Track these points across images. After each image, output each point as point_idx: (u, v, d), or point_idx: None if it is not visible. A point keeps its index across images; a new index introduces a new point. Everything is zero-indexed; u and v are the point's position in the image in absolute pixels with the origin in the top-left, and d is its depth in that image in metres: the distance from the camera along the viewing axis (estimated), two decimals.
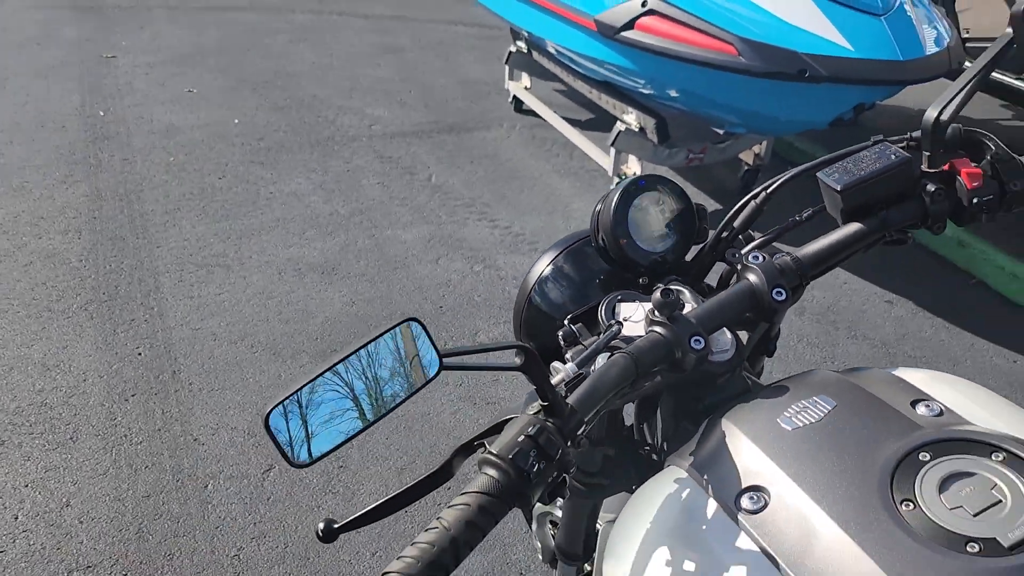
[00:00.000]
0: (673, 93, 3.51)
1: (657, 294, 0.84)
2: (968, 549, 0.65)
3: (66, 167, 4.18)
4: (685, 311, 0.86)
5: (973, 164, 0.92)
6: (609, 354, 0.84)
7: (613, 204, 0.99)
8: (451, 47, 6.34)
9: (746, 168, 4.17)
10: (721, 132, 3.87)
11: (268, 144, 4.53)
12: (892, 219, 0.91)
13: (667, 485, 0.85)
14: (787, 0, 2.97)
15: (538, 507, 1.57)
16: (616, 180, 3.96)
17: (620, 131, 3.86)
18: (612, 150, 3.92)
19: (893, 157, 0.90)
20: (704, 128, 3.84)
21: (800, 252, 0.92)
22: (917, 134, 0.94)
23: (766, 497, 0.75)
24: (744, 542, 0.74)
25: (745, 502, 0.75)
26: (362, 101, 5.20)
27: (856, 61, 2.88)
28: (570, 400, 0.75)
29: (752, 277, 0.89)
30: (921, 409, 0.78)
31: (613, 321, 0.90)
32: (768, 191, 0.98)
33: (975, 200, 0.90)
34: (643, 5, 3.16)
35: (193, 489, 2.32)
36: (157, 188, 3.99)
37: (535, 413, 0.74)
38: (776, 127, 3.51)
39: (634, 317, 0.93)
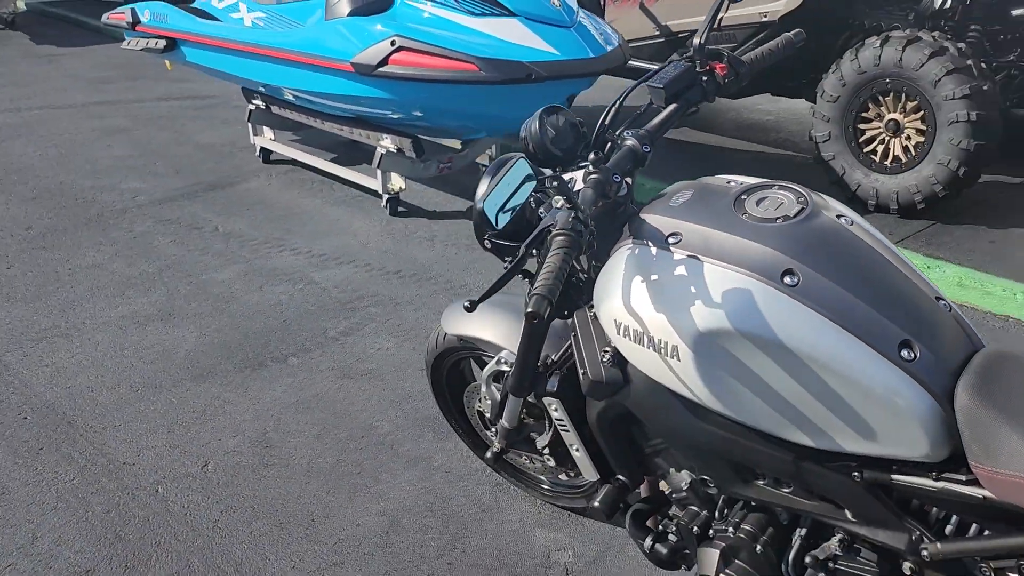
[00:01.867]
0: (423, 113, 4.29)
1: (591, 155, 1.59)
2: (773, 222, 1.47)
3: None
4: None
5: (720, 63, 1.77)
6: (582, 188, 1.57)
7: (537, 125, 1.71)
8: (173, 120, 6.63)
9: (483, 169, 5.06)
10: (459, 146, 4.74)
11: (39, 231, 4.64)
12: (691, 98, 1.75)
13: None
14: (505, 26, 3.89)
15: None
16: (386, 196, 4.66)
17: (383, 154, 4.56)
18: (379, 171, 4.61)
19: (683, 66, 1.73)
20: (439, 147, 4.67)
21: (648, 126, 1.72)
22: (690, 53, 1.78)
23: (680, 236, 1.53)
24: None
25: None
26: (112, 178, 5.40)
27: (564, 62, 3.87)
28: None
29: (630, 142, 1.67)
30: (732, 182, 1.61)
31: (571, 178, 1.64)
32: (621, 100, 1.77)
33: (726, 81, 1.76)
34: (392, 44, 3.92)
35: (147, 494, 2.66)
36: None
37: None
38: (512, 125, 4.40)
39: (577, 180, 1.67)
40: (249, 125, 5.57)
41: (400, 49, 3.91)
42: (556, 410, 1.88)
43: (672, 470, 1.77)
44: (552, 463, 2.25)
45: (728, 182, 1.66)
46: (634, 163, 1.67)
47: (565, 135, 1.74)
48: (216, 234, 4.55)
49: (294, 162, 5.54)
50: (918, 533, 1.45)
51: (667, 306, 1.47)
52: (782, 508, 1.64)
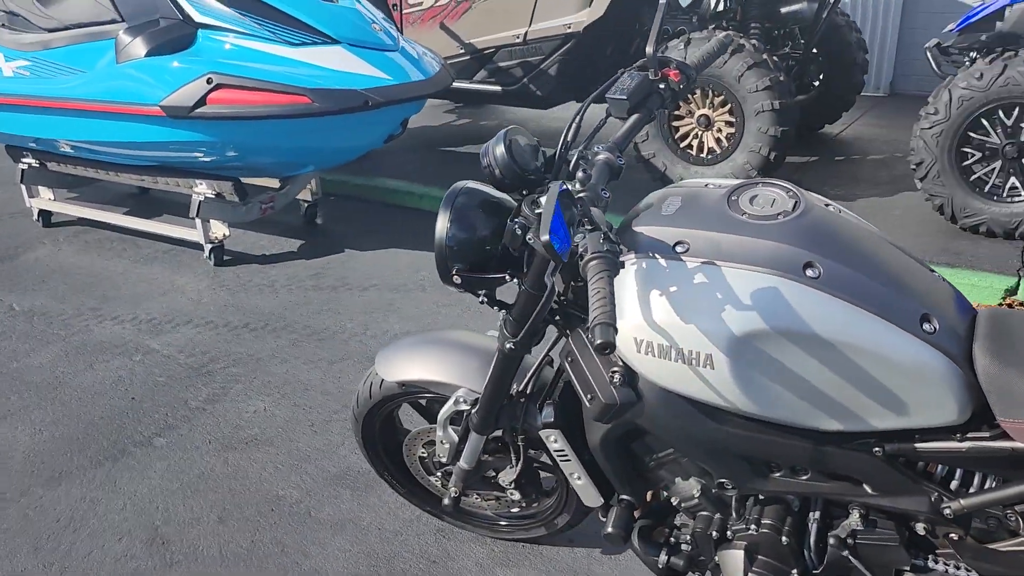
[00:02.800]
0: (243, 152, 3.99)
1: (580, 173, 1.53)
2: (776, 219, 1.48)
3: None
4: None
5: (672, 70, 1.77)
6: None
7: (503, 149, 1.62)
8: None
9: (307, 204, 4.81)
10: (278, 184, 4.47)
11: None
12: (651, 106, 1.73)
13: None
14: (330, 54, 3.71)
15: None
16: (209, 246, 4.30)
17: (200, 201, 4.20)
18: (198, 220, 4.24)
19: (639, 76, 1.71)
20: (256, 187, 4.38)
21: (614, 139, 1.68)
22: (643, 62, 1.76)
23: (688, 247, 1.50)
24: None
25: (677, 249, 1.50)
26: None
27: (397, 86, 3.76)
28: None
29: (603, 156, 1.62)
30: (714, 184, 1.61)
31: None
32: (580, 116, 1.71)
33: (680, 87, 1.76)
34: (209, 82, 3.61)
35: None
36: None
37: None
38: (344, 156, 4.22)
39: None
40: (22, 187, 4.92)
41: (219, 87, 3.61)
42: (555, 441, 1.79)
43: (678, 479, 1.75)
44: (516, 496, 2.15)
45: (707, 185, 1.66)
46: (610, 176, 1.63)
47: (529, 157, 1.67)
48: (14, 314, 3.97)
49: (81, 221, 4.97)
50: (936, 494, 1.52)
51: (695, 316, 1.44)
52: (796, 496, 1.66)
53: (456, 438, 2.04)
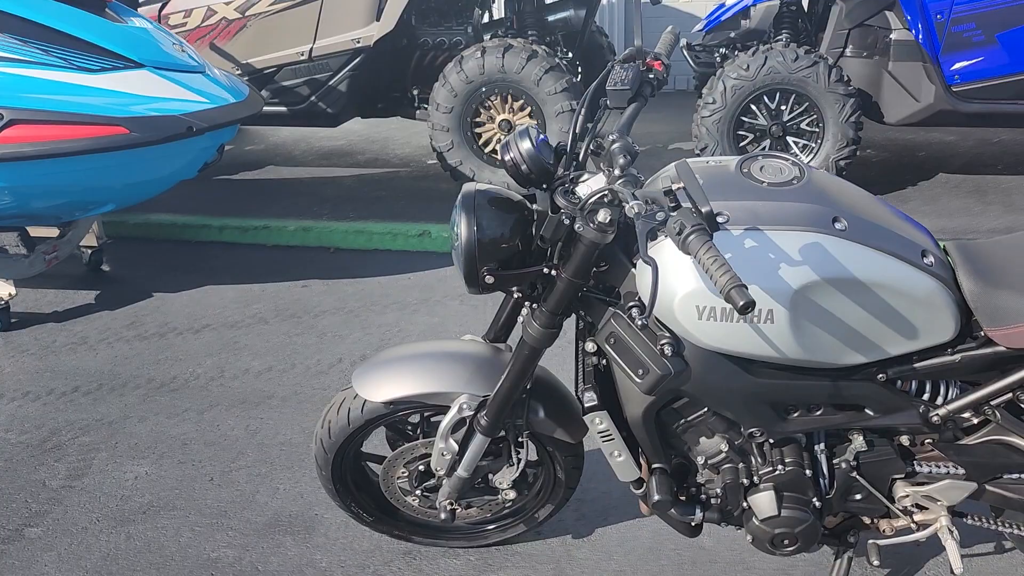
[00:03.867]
0: (25, 197, 3.51)
1: (621, 159, 1.59)
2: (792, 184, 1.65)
3: None
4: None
5: (656, 61, 1.88)
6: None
7: (528, 144, 1.65)
8: None
9: (91, 250, 4.32)
10: (56, 233, 3.98)
11: None
12: (644, 93, 1.83)
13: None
14: (138, 79, 3.38)
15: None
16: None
17: None
18: None
19: (632, 67, 1.80)
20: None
21: (618, 127, 1.76)
22: (630, 53, 1.85)
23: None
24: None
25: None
26: None
27: (216, 109, 3.52)
28: None
29: (620, 143, 1.70)
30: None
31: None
32: (583, 108, 1.77)
33: (665, 76, 1.88)
34: (0, 119, 3.14)
35: None
36: None
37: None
38: (155, 189, 3.84)
39: (593, 186, 1.65)
40: None
41: (11, 123, 3.15)
42: (600, 423, 1.83)
43: (703, 439, 1.87)
44: (511, 496, 2.16)
45: (708, 161, 1.80)
46: (630, 159, 1.72)
47: (547, 152, 1.71)
48: None
49: None
50: (924, 407, 1.79)
51: (754, 277, 1.56)
52: (807, 432, 1.85)
53: (456, 447, 2.01)
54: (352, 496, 2.26)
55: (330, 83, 4.92)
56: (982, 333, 1.70)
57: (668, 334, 1.67)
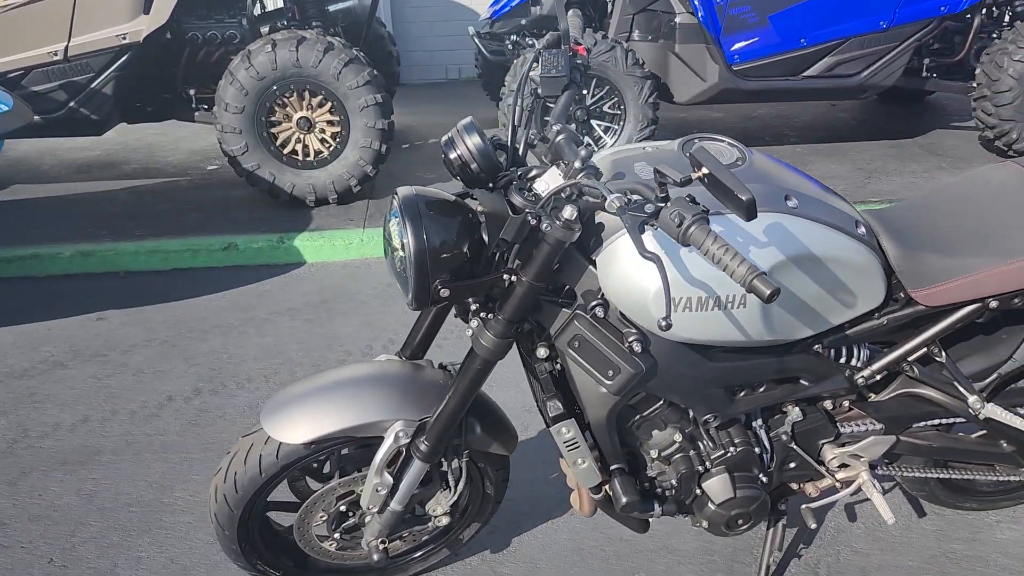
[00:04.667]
0: None
1: (582, 151, 1.48)
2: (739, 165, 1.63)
3: None
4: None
5: (579, 45, 1.77)
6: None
7: (477, 138, 1.50)
8: None
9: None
10: None
11: None
12: (575, 79, 1.72)
13: None
14: None
15: None
16: None
17: None
18: None
19: (561, 52, 1.68)
20: None
21: (555, 116, 1.65)
22: (553, 39, 1.72)
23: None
24: None
25: None
26: None
27: None
28: None
29: (564, 135, 1.59)
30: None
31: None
32: (519, 98, 1.64)
33: (588, 60, 1.77)
34: None
35: None
36: None
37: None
38: None
39: (550, 182, 1.52)
40: None
41: None
42: (567, 432, 1.70)
43: (655, 432, 1.81)
44: (445, 522, 1.99)
45: (645, 147, 1.73)
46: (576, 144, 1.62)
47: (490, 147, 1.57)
48: None
49: None
50: (850, 371, 1.86)
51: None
52: (750, 411, 1.86)
53: (391, 480, 1.81)
54: (258, 554, 1.97)
55: (92, 86, 4.32)
56: (902, 295, 1.79)
57: (635, 331, 1.59)
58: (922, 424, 2.00)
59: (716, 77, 4.64)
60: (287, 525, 2.04)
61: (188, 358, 3.28)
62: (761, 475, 1.87)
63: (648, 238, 1.51)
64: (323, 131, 4.42)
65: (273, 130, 4.39)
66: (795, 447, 1.90)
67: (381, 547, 1.91)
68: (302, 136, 4.42)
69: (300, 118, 4.37)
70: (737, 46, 4.61)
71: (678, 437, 1.80)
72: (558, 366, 1.73)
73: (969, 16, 4.98)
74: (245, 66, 4.21)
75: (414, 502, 1.93)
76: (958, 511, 2.37)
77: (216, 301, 3.75)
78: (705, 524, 1.88)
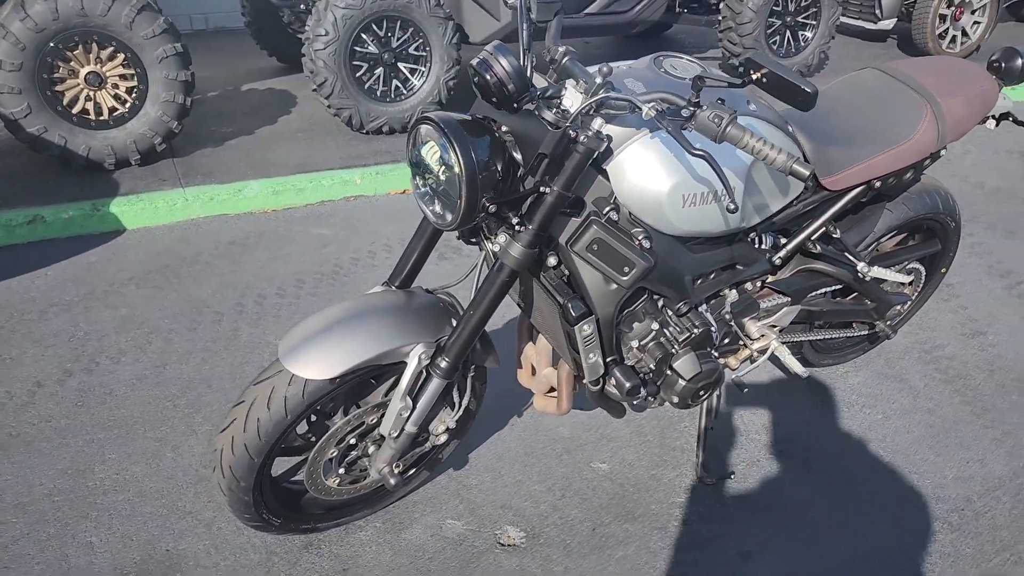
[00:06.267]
0: None
1: (602, 71, 1.63)
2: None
3: None
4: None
5: None
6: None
7: (512, 60, 1.58)
8: None
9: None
10: None
11: None
12: (564, 6, 1.83)
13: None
14: None
15: None
16: None
17: None
18: None
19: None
20: None
21: (552, 40, 1.76)
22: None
23: None
24: None
25: None
26: None
27: None
28: None
29: (568, 56, 1.72)
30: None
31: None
32: (524, 24, 1.72)
33: None
34: None
35: None
36: None
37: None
38: None
39: (574, 99, 1.65)
40: None
41: None
42: (588, 328, 1.84)
43: (636, 324, 2.03)
44: (443, 440, 2.08)
45: (622, 66, 1.89)
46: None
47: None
48: None
49: None
50: (769, 253, 2.20)
51: (727, 160, 1.77)
52: (703, 296, 2.14)
53: (411, 406, 1.88)
54: (265, 504, 1.95)
55: None
56: (812, 183, 2.15)
57: (642, 229, 1.79)
58: (815, 293, 2.41)
59: (508, 16, 4.86)
60: (281, 472, 2.03)
61: (37, 340, 2.97)
62: (712, 351, 2.17)
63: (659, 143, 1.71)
64: (116, 87, 4.06)
65: (58, 88, 3.95)
66: (733, 324, 2.22)
67: (396, 471, 1.97)
68: (92, 93, 4.02)
69: (89, 73, 3.97)
70: None
71: (655, 326, 2.04)
72: (566, 272, 1.89)
73: None
74: (20, 16, 3.73)
75: (427, 423, 2.00)
76: (821, 367, 2.87)
77: (38, 280, 3.38)
78: (675, 400, 2.14)
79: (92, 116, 4.05)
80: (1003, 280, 3.51)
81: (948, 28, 6.72)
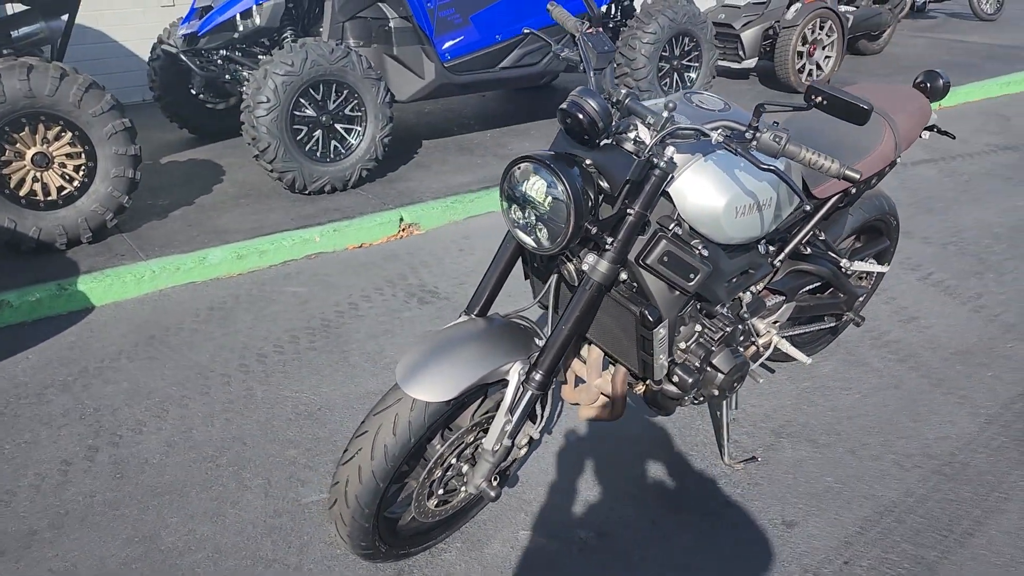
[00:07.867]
0: None
1: (667, 107, 1.90)
2: (730, 108, 2.19)
3: None
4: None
5: (598, 26, 2.13)
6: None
7: (601, 102, 1.83)
8: None
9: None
10: None
11: None
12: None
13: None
14: None
15: None
16: None
17: None
18: None
19: (600, 33, 2.04)
20: None
21: (609, 84, 2.02)
22: (585, 19, 2.06)
23: None
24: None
25: None
26: None
27: None
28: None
29: (629, 97, 1.99)
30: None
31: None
32: (591, 74, 1.97)
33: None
34: None
35: None
36: None
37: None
38: None
39: (645, 133, 1.92)
40: None
41: None
42: (663, 331, 2.07)
43: (682, 327, 2.29)
44: (524, 452, 2.26)
45: (665, 104, 2.17)
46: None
47: None
48: None
49: None
50: (771, 258, 2.53)
51: (766, 177, 2.08)
52: (732, 298, 2.43)
53: (515, 421, 2.05)
54: (378, 534, 2.07)
55: None
56: (805, 193, 2.51)
57: (700, 239, 2.07)
58: (804, 291, 2.76)
59: (433, 74, 5.12)
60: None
61: (46, 422, 2.93)
62: (739, 347, 2.47)
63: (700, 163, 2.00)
64: (64, 166, 4.02)
65: (4, 171, 3.88)
66: (747, 312, 2.52)
67: (497, 483, 2.13)
68: (39, 174, 3.97)
69: (36, 154, 3.92)
70: (447, 45, 5.14)
71: (697, 328, 2.32)
72: (635, 284, 2.13)
73: (607, 10, 6.11)
74: None
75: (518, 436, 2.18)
76: (791, 362, 3.23)
77: (20, 364, 3.31)
78: (715, 392, 2.42)
79: (40, 197, 3.99)
80: (916, 272, 4.03)
81: (805, 63, 7.51)
